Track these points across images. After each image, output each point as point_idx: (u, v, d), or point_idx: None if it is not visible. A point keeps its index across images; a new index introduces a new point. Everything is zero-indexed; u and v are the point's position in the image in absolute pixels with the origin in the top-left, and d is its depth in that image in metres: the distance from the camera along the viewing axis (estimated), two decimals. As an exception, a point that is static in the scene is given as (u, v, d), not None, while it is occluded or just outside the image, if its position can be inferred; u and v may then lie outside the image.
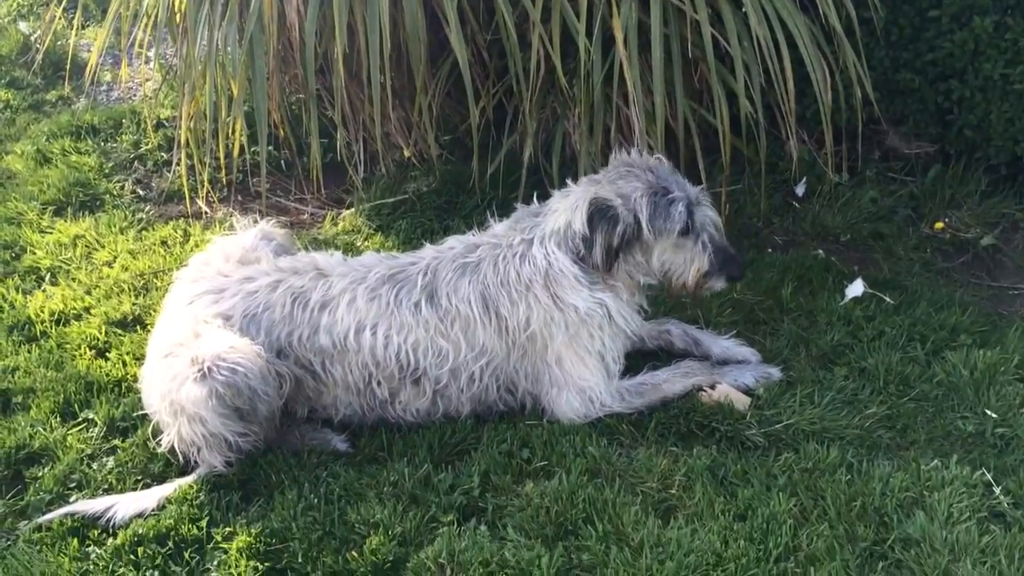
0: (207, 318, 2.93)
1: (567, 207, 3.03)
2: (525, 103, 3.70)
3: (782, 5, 3.49)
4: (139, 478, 2.91)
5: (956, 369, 3.20)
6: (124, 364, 3.40)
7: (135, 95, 5.95)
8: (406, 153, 4.57)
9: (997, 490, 2.69)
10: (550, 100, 4.11)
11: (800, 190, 4.30)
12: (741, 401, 3.09)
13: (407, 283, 3.01)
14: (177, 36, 3.98)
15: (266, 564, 2.56)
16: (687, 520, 2.64)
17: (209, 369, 2.73)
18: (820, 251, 3.99)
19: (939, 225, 4.06)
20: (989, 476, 2.74)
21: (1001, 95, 3.86)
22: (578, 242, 2.98)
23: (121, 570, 2.55)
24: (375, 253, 3.24)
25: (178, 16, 3.97)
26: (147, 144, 5.10)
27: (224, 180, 4.66)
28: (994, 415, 3.00)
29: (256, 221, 3.45)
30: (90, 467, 2.95)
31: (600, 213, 2.95)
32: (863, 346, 3.36)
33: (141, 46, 4.54)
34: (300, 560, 2.56)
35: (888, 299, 3.60)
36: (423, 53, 3.48)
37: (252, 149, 4.61)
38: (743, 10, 3.48)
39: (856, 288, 3.65)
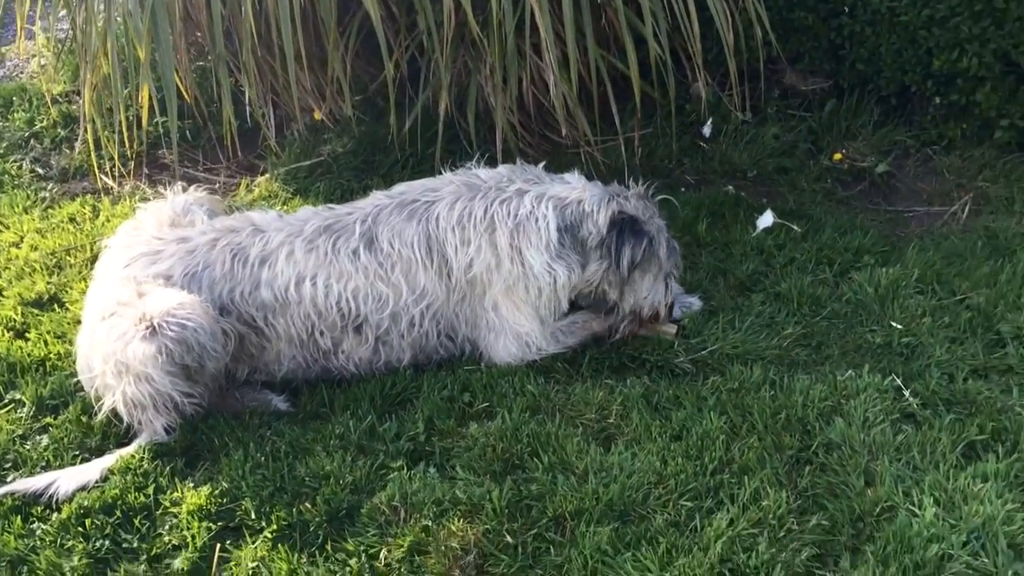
0: (146, 279, 2.89)
1: (587, 189, 3.09)
2: (437, 56, 3.70)
3: (683, -52, 3.59)
4: (76, 453, 2.86)
5: (862, 287, 3.40)
6: (45, 343, 3.31)
7: (22, 72, 5.70)
8: (318, 115, 4.52)
9: (907, 393, 2.89)
10: (462, 54, 4.13)
11: (707, 131, 4.45)
12: (668, 331, 3.23)
13: (344, 232, 3.03)
14: (73, 3, 3.81)
15: (219, 524, 2.57)
16: (627, 445, 2.76)
17: (159, 325, 2.71)
18: (730, 187, 4.16)
19: (837, 156, 4.28)
20: (899, 381, 2.94)
21: (889, 28, 4.07)
22: (578, 223, 3.06)
23: (70, 543, 2.52)
24: (310, 207, 3.24)
25: (72, -19, 3.81)
26: (42, 121, 4.91)
27: (130, 153, 4.53)
28: (899, 326, 3.21)
29: (184, 188, 3.39)
30: (23, 447, 2.88)
31: (629, 225, 3.05)
32: (776, 272, 3.54)
33: (25, 20, 4.34)
34: (253, 516, 2.58)
35: (796, 228, 3.79)
36: (333, 9, 3.45)
37: (157, 120, 4.49)
38: (647, -46, 3.56)
39: (766, 219, 3.83)
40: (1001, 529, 2.39)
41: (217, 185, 4.57)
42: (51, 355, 3.26)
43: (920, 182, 4.22)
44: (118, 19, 3.44)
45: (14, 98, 5.12)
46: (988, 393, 2.89)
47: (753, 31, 3.87)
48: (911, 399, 2.88)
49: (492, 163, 3.72)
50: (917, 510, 2.46)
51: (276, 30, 3.43)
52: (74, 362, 3.08)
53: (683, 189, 4.19)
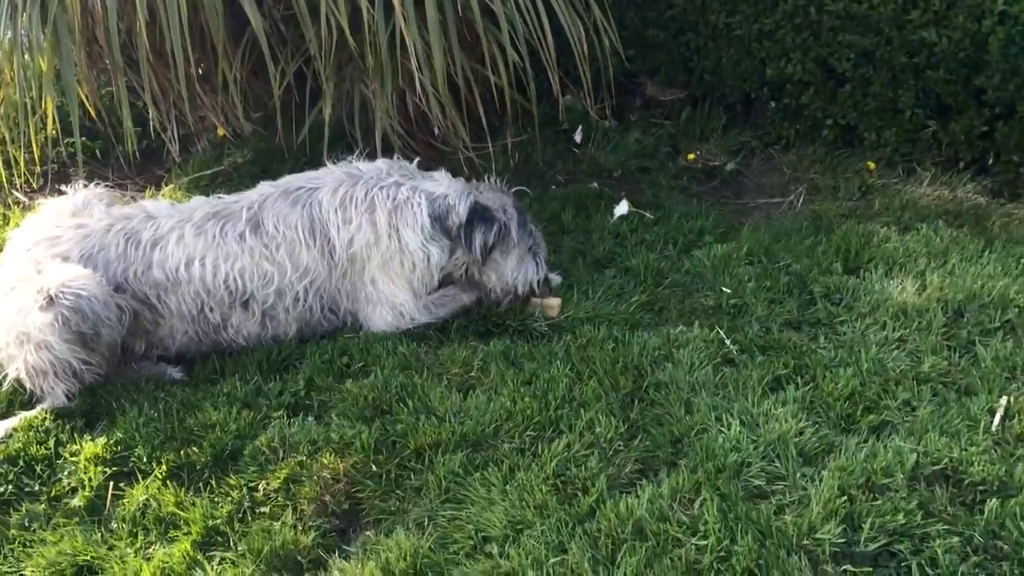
0: (45, 259, 3.17)
1: (451, 185, 3.53)
2: (322, 69, 4.09)
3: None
4: (-17, 420, 3.13)
5: (701, 261, 3.87)
6: (-45, 332, 3.56)
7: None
8: (221, 132, 4.87)
9: (728, 342, 3.34)
10: (349, 68, 4.53)
11: (578, 137, 4.94)
12: (551, 306, 3.61)
13: (232, 217, 3.37)
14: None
15: (113, 468, 2.87)
16: (484, 392, 3.13)
17: (55, 296, 2.99)
18: (595, 184, 4.62)
19: (691, 156, 4.79)
20: (722, 333, 3.39)
21: (727, 42, 4.62)
22: (445, 214, 3.47)
23: (-25, 489, 2.80)
24: (201, 197, 3.57)
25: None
26: (-48, 143, 5.14)
27: (39, 171, 4.80)
28: (728, 291, 3.67)
29: (85, 185, 3.67)
30: (-69, 418, 3.13)
31: (479, 213, 3.48)
32: (627, 251, 3.99)
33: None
34: (145, 460, 2.88)
35: (648, 215, 4.26)
36: (221, 25, 3.81)
37: (67, 141, 4.78)
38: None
39: (622, 208, 4.30)
40: (793, 441, 2.82)
41: (125, 198, 4.86)
42: (-40, 342, 3.50)
43: (764, 178, 4.75)
44: (23, 35, 3.76)
45: (-73, 123, 5.34)
46: (797, 340, 3.35)
47: (604, 44, 4.35)
48: (731, 347, 3.33)
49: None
50: (725, 430, 2.89)
51: (171, 46, 3.78)
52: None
53: (553, 187, 4.65)
